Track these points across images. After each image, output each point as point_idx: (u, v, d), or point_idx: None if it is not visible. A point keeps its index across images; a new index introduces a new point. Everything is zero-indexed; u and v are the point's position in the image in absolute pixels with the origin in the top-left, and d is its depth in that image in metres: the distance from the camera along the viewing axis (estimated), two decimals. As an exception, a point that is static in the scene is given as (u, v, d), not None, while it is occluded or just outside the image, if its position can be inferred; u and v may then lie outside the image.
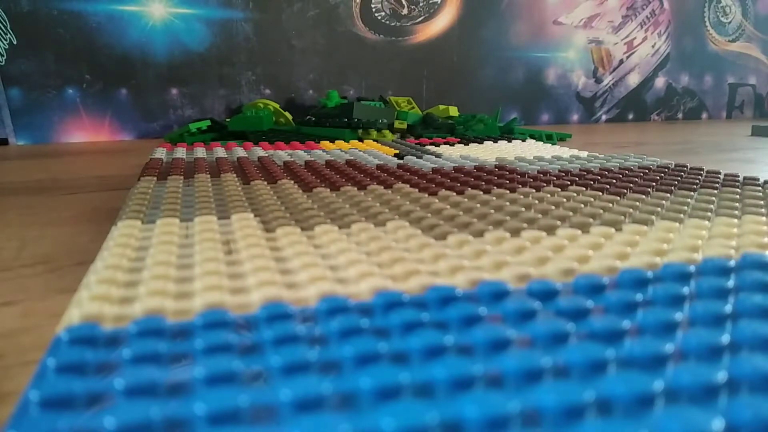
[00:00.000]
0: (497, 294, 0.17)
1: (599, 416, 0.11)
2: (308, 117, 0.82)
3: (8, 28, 0.81)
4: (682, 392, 0.12)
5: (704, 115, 1.41)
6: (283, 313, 0.15)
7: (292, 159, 0.48)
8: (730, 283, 0.17)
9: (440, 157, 0.50)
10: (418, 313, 0.15)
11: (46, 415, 0.11)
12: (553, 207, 0.29)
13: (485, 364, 0.13)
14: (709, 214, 0.27)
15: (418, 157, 0.50)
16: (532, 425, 0.11)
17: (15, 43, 0.83)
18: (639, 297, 0.16)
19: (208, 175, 0.39)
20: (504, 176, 0.39)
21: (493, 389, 0.12)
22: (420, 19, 1.08)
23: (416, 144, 0.67)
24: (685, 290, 0.17)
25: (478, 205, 0.29)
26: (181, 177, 0.38)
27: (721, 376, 0.11)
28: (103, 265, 0.20)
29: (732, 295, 0.17)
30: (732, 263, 0.19)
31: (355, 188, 0.34)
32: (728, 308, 0.15)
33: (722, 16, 1.36)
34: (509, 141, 0.69)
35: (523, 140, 0.71)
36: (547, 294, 0.17)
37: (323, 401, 0.11)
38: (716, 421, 0.10)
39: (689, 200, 0.31)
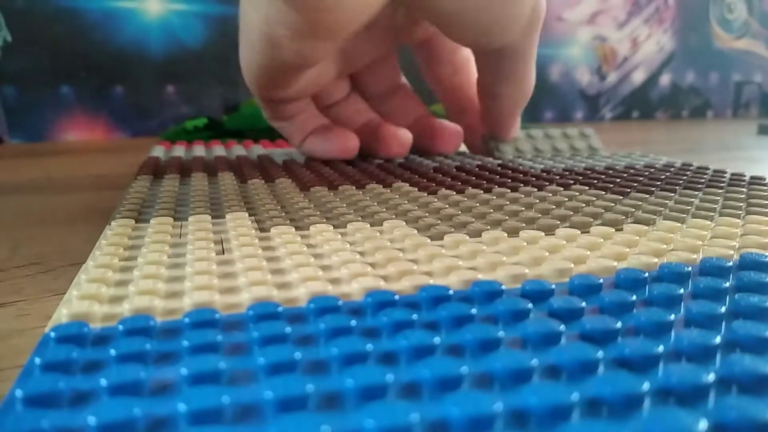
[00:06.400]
0: (490, 294, 0.17)
1: (586, 417, 0.11)
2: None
3: (2, 24, 0.82)
4: (671, 393, 0.11)
5: (710, 113, 1.40)
6: (272, 313, 0.15)
7: (292, 157, 0.48)
8: (727, 283, 0.17)
9: (442, 155, 0.49)
10: (409, 313, 0.15)
11: (31, 412, 0.11)
12: (553, 206, 0.29)
13: (473, 364, 0.12)
14: (713, 213, 0.27)
15: (419, 155, 0.50)
16: (518, 426, 0.11)
17: (9, 40, 0.83)
18: (634, 297, 0.16)
19: (205, 174, 0.39)
20: (506, 175, 0.39)
21: (480, 390, 0.12)
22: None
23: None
24: (681, 290, 0.16)
25: (478, 205, 0.29)
26: (178, 175, 0.38)
27: (710, 377, 0.11)
28: (93, 264, 0.20)
29: (728, 295, 0.17)
30: (730, 263, 0.19)
31: (354, 187, 0.34)
32: (724, 309, 0.15)
33: (727, 13, 1.35)
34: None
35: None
36: (540, 294, 0.17)
37: (307, 401, 0.11)
38: (702, 422, 0.10)
39: (694, 200, 0.30)
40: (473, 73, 0.45)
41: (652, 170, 0.40)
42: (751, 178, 0.37)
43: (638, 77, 1.29)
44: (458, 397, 0.11)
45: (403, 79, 0.50)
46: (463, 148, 0.58)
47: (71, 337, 0.15)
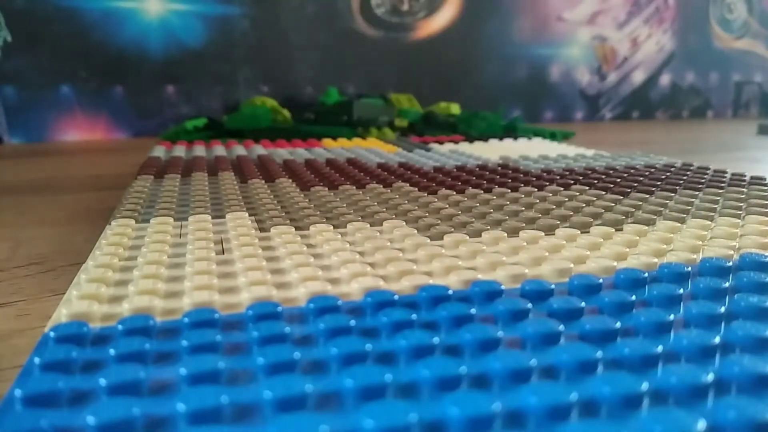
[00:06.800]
0: (489, 294, 0.17)
1: (584, 417, 0.11)
2: (307, 114, 0.82)
3: (2, 24, 0.82)
4: (669, 393, 0.11)
5: (710, 113, 1.40)
6: (271, 313, 0.15)
7: (293, 157, 0.48)
8: (727, 283, 0.17)
9: (442, 156, 0.49)
10: (408, 313, 0.15)
11: (30, 412, 0.11)
12: (554, 206, 0.29)
13: (471, 364, 0.12)
14: (713, 214, 0.27)
15: (419, 155, 0.50)
16: (516, 426, 0.11)
17: (9, 40, 0.83)
18: (633, 297, 0.16)
19: (206, 174, 0.39)
20: (507, 175, 0.39)
21: (478, 390, 0.12)
22: (421, 14, 1.07)
23: (420, 142, 0.66)
24: (681, 291, 0.16)
25: (478, 205, 0.29)
26: (179, 175, 0.38)
27: (709, 377, 0.11)
28: (93, 264, 0.20)
29: (728, 295, 0.17)
30: (730, 263, 0.19)
31: (354, 187, 0.34)
32: (723, 309, 0.15)
33: (727, 13, 1.35)
34: (515, 139, 0.69)
35: (530, 138, 0.70)
36: (540, 294, 0.17)
37: (306, 401, 0.11)
38: (700, 422, 0.10)
39: (694, 200, 0.30)
40: None
41: (652, 170, 0.40)
42: (751, 178, 0.37)
43: (638, 77, 1.29)
44: (457, 397, 0.11)
45: None
46: (464, 146, 0.58)
47: (71, 336, 0.14)
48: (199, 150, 0.54)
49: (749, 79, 1.43)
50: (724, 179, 0.37)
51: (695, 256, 0.21)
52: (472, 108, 1.06)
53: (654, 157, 0.48)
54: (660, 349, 0.13)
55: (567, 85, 1.24)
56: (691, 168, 0.42)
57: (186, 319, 0.15)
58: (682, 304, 0.16)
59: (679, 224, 0.25)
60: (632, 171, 0.40)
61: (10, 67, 0.85)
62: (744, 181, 0.36)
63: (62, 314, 0.16)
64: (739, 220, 0.26)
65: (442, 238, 0.23)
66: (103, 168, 0.56)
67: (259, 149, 0.55)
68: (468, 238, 0.23)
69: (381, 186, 0.34)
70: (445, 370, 0.12)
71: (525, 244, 0.22)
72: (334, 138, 0.69)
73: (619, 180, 0.36)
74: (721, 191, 0.33)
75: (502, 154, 0.51)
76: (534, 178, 0.37)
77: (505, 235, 0.23)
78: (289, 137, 0.70)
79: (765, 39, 1.41)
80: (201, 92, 0.96)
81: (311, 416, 0.10)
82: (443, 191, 0.33)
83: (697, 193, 0.32)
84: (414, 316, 0.15)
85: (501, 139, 0.69)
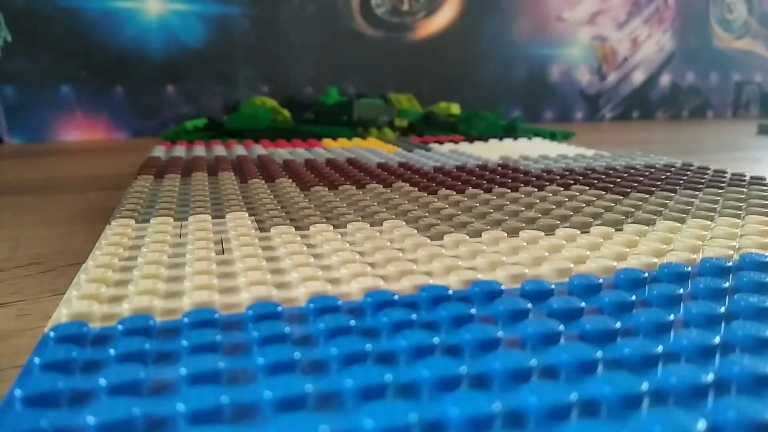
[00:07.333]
0: (489, 294, 0.17)
1: (584, 417, 0.11)
2: (307, 115, 0.82)
3: (2, 24, 0.82)
4: (669, 393, 0.11)
5: (710, 113, 1.40)
6: (271, 313, 0.15)
7: (293, 157, 0.48)
8: (727, 283, 0.17)
9: (442, 156, 0.49)
10: (408, 313, 0.15)
11: (30, 412, 0.11)
12: (554, 206, 0.29)
13: (471, 364, 0.12)
14: (713, 213, 0.27)
15: (419, 155, 0.50)
16: (516, 426, 0.11)
17: (9, 40, 0.83)
18: (633, 297, 0.16)
19: (206, 174, 0.39)
20: (506, 175, 0.39)
21: (478, 390, 0.12)
22: (421, 14, 1.07)
23: (420, 142, 0.66)
24: (681, 291, 0.16)
25: (478, 205, 0.29)
26: (179, 175, 0.38)
27: (709, 377, 0.11)
28: (93, 264, 0.20)
29: (728, 295, 0.17)
30: (730, 263, 0.19)
31: (354, 187, 0.34)
32: (723, 309, 0.15)
33: (727, 13, 1.35)
34: (515, 139, 0.69)
35: (529, 138, 0.70)
36: (540, 294, 0.17)
37: (306, 401, 0.11)
38: (700, 422, 0.10)
39: (694, 200, 0.30)
40: None
41: (652, 170, 0.40)
42: (751, 178, 0.37)
43: (638, 77, 1.29)
44: (457, 397, 0.11)
45: None
46: (464, 146, 0.58)
47: (71, 336, 0.15)
48: (199, 150, 0.54)
49: (749, 79, 1.43)
50: (724, 179, 0.37)
51: (695, 256, 0.21)
52: (472, 108, 1.06)
53: (654, 157, 0.48)
54: (660, 349, 0.13)
55: (567, 85, 1.24)
56: (691, 168, 0.42)
57: (186, 319, 0.15)
58: (682, 304, 0.16)
59: (679, 224, 0.25)
60: (632, 171, 0.40)
61: (10, 67, 0.85)
62: (744, 181, 0.36)
63: (62, 314, 0.16)
64: (739, 220, 0.26)
65: (442, 238, 0.23)
66: (103, 168, 0.56)
67: (259, 149, 0.55)
68: (468, 238, 0.23)
69: (381, 186, 0.34)
70: (445, 370, 0.12)
71: (525, 244, 0.22)
72: (334, 138, 0.69)
73: (619, 180, 0.36)
74: (721, 191, 0.33)
75: (502, 154, 0.51)
76: (534, 178, 0.37)
77: (505, 235, 0.23)
78: (289, 137, 0.70)
79: (765, 39, 1.41)
80: (201, 92, 0.96)
81: (311, 416, 0.10)
82: (443, 191, 0.33)
83: (697, 193, 0.32)
84: (414, 316, 0.15)
85: (501, 139, 0.69)
